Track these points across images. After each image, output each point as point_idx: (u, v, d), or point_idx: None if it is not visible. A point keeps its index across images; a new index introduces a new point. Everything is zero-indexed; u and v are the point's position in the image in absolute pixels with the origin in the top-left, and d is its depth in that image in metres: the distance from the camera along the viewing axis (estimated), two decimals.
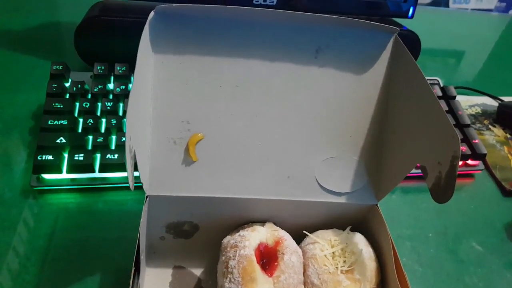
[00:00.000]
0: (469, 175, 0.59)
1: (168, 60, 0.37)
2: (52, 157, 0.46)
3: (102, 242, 0.44)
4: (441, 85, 0.66)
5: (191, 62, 0.37)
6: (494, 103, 0.71)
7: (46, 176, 0.46)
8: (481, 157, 0.57)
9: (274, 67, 0.38)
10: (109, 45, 0.58)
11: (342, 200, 0.40)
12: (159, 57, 0.37)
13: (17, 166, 0.49)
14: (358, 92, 0.40)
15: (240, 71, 0.38)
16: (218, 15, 0.37)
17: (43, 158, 0.45)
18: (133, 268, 0.33)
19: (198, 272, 0.42)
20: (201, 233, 0.42)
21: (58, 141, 0.47)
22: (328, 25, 0.38)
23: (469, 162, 0.58)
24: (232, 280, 0.35)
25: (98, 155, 0.48)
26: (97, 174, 0.48)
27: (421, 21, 0.74)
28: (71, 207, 0.47)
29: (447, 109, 0.62)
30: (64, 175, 0.47)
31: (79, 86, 0.52)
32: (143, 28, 0.34)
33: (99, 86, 0.52)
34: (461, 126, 0.60)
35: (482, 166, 0.59)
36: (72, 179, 0.47)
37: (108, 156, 0.47)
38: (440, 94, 0.63)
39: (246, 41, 0.38)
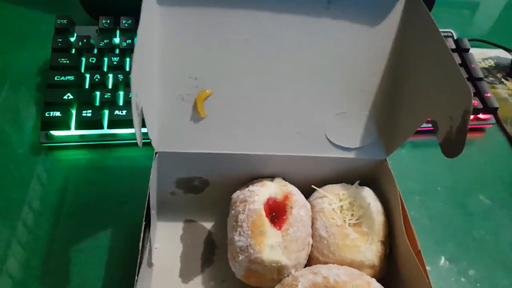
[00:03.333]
0: (480, 129, 0.59)
1: (174, 12, 0.36)
2: (60, 114, 0.45)
3: (113, 197, 0.45)
4: (455, 37, 0.64)
5: (198, 14, 0.36)
6: (508, 56, 0.69)
7: (55, 133, 0.47)
8: (492, 111, 0.56)
9: (284, 19, 0.37)
10: None
11: (351, 155, 0.40)
12: (164, 9, 0.36)
13: (26, 123, 0.49)
14: (370, 44, 0.38)
15: (249, 24, 0.37)
16: None
17: (51, 115, 0.45)
18: (144, 223, 0.34)
19: (208, 225, 0.43)
20: (211, 188, 0.42)
21: (65, 97, 0.47)
22: None
23: (480, 116, 0.57)
24: (242, 233, 0.36)
25: (106, 111, 0.48)
26: (106, 131, 0.47)
27: None
28: (81, 163, 0.47)
29: (460, 62, 0.60)
30: (73, 132, 0.47)
31: (85, 40, 0.51)
32: None
33: (105, 41, 0.51)
34: (474, 79, 0.58)
35: (493, 120, 0.58)
36: (81, 136, 0.47)
37: (116, 112, 0.47)
38: (453, 47, 0.61)
39: None
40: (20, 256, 0.40)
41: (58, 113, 0.45)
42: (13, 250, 0.40)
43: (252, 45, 0.37)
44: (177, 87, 0.37)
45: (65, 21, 0.52)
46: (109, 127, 0.47)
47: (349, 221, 0.38)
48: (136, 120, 0.30)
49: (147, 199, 0.35)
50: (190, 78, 0.37)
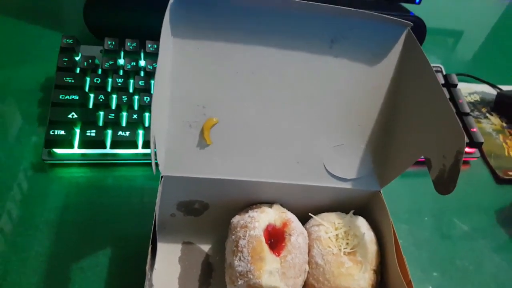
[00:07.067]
0: (465, 162, 0.61)
1: (186, 44, 0.38)
2: (64, 132, 0.46)
3: (113, 216, 0.46)
4: (444, 72, 0.67)
5: (208, 47, 0.38)
6: (493, 92, 0.73)
7: (58, 151, 0.47)
8: (478, 145, 0.59)
9: (289, 56, 0.39)
10: (119, 18, 0.58)
11: (347, 185, 0.42)
12: (177, 41, 0.37)
13: (28, 140, 0.50)
14: (369, 82, 0.41)
15: (256, 58, 0.39)
16: (237, 2, 0.37)
17: (55, 133, 0.46)
18: (150, 246, 0.35)
19: (206, 248, 0.44)
20: (210, 212, 0.43)
21: (69, 116, 0.47)
22: (345, 16, 0.39)
23: (466, 149, 0.60)
24: (242, 258, 0.37)
25: (110, 132, 0.49)
26: (108, 150, 0.48)
27: (425, 2, 0.74)
28: (81, 181, 0.48)
29: (448, 97, 0.63)
30: (76, 150, 0.48)
31: (90, 61, 0.52)
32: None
33: (110, 62, 0.53)
34: (461, 114, 0.61)
35: (478, 154, 0.61)
36: (83, 154, 0.48)
37: (120, 133, 0.48)
38: (442, 82, 0.64)
39: (263, 29, 0.38)
40: (20, 273, 0.40)
41: (62, 132, 0.46)
42: (13, 267, 0.40)
43: (258, 78, 0.39)
44: (186, 114, 0.39)
45: (71, 40, 0.53)
46: (111, 147, 0.48)
47: (344, 249, 0.40)
48: (153, 150, 0.31)
49: (153, 222, 0.36)
50: (198, 106, 0.39)
